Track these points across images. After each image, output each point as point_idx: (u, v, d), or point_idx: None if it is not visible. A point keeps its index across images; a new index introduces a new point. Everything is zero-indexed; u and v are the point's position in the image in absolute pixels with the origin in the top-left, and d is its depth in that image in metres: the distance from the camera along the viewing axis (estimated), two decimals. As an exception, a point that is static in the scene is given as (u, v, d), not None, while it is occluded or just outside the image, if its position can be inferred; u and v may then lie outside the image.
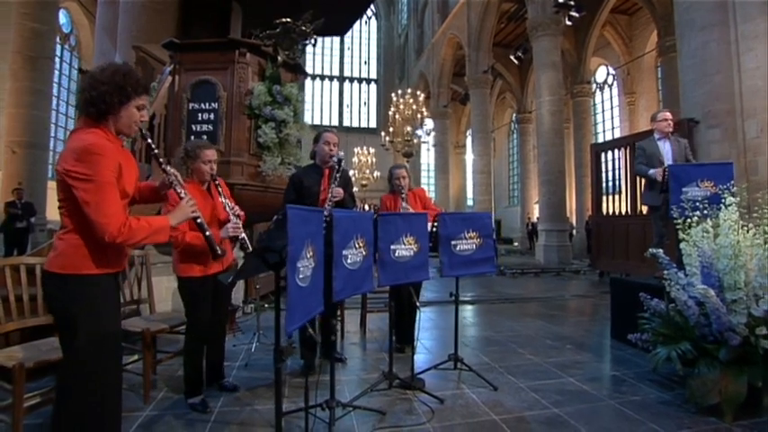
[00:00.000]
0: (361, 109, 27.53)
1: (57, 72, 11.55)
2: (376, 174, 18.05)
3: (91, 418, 1.51)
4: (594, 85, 17.37)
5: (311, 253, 1.66)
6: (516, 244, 20.66)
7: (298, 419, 2.15)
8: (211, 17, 4.55)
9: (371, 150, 17.91)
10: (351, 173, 16.77)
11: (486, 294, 6.69)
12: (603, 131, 17.65)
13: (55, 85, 10.93)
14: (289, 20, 3.40)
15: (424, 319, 4.82)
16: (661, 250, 2.92)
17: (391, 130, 12.18)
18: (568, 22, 10.09)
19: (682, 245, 2.74)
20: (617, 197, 8.08)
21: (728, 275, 2.50)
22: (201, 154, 2.44)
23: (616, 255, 8.02)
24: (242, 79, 3.46)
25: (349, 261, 2.04)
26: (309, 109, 26.74)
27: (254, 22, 4.50)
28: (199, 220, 1.75)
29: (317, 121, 26.56)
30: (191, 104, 3.42)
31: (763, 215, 2.54)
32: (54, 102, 10.80)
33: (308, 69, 26.88)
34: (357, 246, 2.10)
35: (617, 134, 15.97)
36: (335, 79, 27.61)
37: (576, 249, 13.76)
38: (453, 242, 2.80)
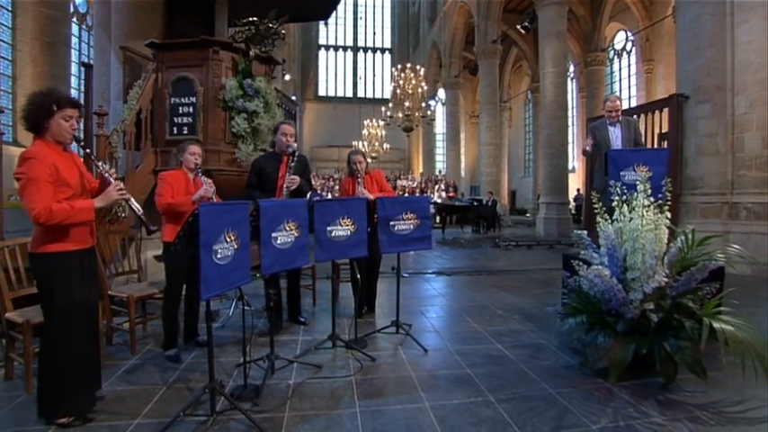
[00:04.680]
0: (375, 79, 27.32)
1: (76, 52, 12.12)
2: (386, 146, 18.25)
3: (63, 367, 2.01)
4: (612, 52, 16.71)
5: (232, 237, 2.08)
6: (529, 215, 20.68)
7: (252, 370, 2.64)
8: (196, 10, 4.86)
9: (380, 123, 18.00)
10: (360, 145, 16.96)
11: (470, 266, 7.05)
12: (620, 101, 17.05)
13: (75, 66, 11.48)
14: (255, 18, 3.71)
15: (405, 290, 5.25)
16: (585, 232, 3.20)
17: (390, 105, 12.31)
18: (574, -9, 9.77)
19: (598, 227, 3.02)
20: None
21: (630, 257, 2.78)
22: (188, 148, 3.01)
23: (607, 229, 8.16)
24: (216, 74, 3.83)
25: (278, 242, 2.46)
26: (324, 80, 26.75)
27: (240, 13, 4.78)
28: (129, 203, 2.10)
29: (330, 93, 26.61)
30: (172, 99, 3.83)
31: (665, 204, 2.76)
32: (75, 81, 11.38)
33: (322, 41, 26.73)
34: (287, 228, 2.51)
35: (633, 104, 15.48)
36: (349, 50, 27.36)
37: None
38: (392, 222, 3.16)
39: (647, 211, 2.77)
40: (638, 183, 2.93)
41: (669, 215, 2.77)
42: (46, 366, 2.03)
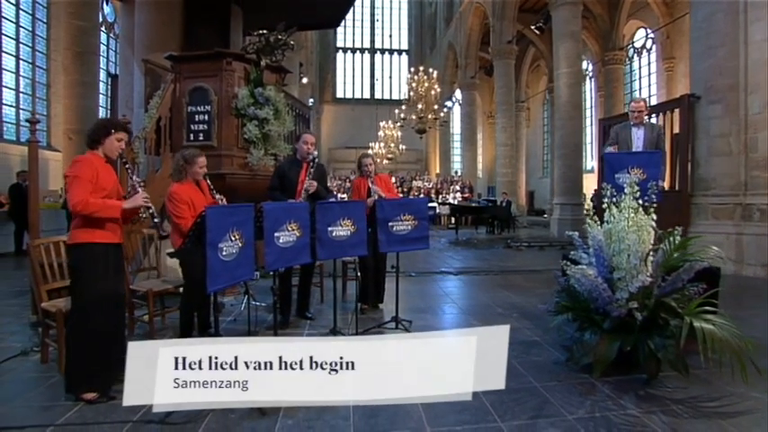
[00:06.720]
0: (392, 81, 27.51)
1: (104, 60, 12.74)
2: (402, 147, 18.41)
3: (87, 347, 2.30)
4: (632, 50, 16.41)
5: (237, 236, 2.31)
6: (546, 216, 20.48)
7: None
8: (213, 21, 5.16)
9: (396, 124, 18.14)
10: (377, 146, 17.22)
11: (479, 266, 7.16)
12: (644, 102, 16.72)
13: (103, 72, 12.07)
14: (265, 31, 3.96)
15: (411, 289, 5.44)
16: (577, 233, 3.31)
17: (404, 107, 12.49)
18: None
19: (586, 228, 3.12)
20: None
21: (616, 257, 2.89)
22: (197, 161, 3.14)
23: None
24: (229, 84, 4.10)
25: (281, 241, 2.68)
26: (341, 82, 27.11)
27: (254, 23, 5.04)
28: (151, 211, 2.43)
29: (348, 95, 26.95)
30: (189, 107, 4.13)
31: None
32: (103, 87, 11.97)
33: (339, 43, 27.11)
34: (289, 229, 2.73)
35: (653, 102, 15.15)
36: (366, 51, 27.64)
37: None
38: (390, 223, 3.34)
39: (634, 213, 2.86)
40: (626, 185, 3.03)
41: (655, 217, 2.86)
42: (72, 346, 2.31)
